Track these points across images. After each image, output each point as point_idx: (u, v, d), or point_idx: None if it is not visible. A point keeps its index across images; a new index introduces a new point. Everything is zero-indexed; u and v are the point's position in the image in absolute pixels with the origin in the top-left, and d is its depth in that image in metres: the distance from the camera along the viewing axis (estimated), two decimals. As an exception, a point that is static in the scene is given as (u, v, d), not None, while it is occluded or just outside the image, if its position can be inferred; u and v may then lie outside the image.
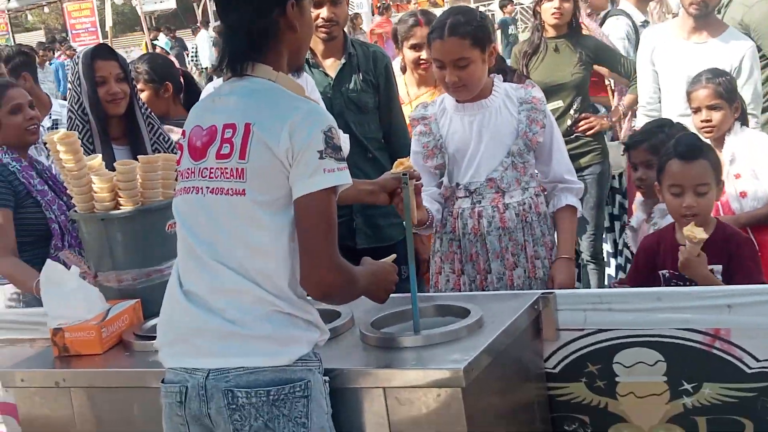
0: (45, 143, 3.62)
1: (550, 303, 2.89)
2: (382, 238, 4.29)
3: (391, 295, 2.64)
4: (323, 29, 4.20)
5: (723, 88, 3.98)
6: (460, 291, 3.39)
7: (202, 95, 3.84)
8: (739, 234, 3.37)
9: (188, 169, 2.40)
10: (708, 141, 3.84)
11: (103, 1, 26.03)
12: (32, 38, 30.02)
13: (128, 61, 4.31)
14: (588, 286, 5.44)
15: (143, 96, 4.42)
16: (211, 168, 2.34)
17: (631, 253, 5.84)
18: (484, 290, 3.35)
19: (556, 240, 3.51)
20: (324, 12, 4.17)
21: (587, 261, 5.44)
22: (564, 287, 3.49)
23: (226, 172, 2.31)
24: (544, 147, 3.44)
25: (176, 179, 2.52)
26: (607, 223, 5.49)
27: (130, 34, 38.26)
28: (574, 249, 3.66)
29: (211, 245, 2.34)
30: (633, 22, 6.25)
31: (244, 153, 2.29)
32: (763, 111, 4.89)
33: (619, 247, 5.39)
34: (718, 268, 3.18)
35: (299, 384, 2.31)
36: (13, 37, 29.06)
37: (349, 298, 2.47)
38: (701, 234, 3.06)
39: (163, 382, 2.43)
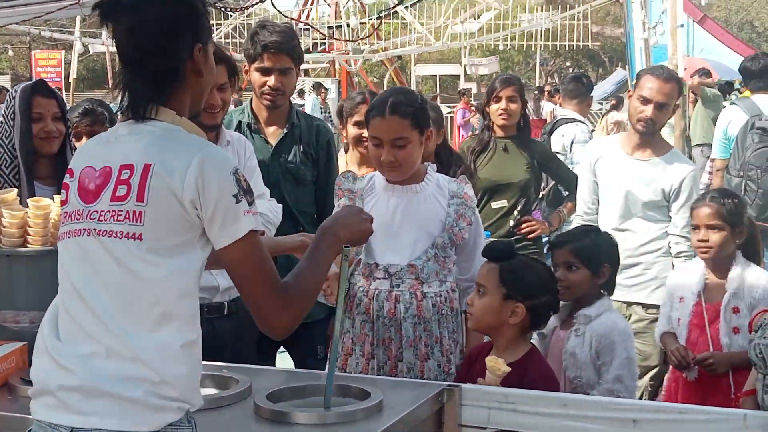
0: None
1: (455, 396, 2.81)
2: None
3: (299, 370, 2.54)
4: (268, 96, 4.17)
5: (726, 210, 3.87)
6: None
7: None
8: (542, 380, 3.13)
9: (77, 210, 2.27)
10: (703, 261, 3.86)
11: (73, 54, 25.89)
12: (-1, 82, 29.75)
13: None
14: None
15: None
16: (102, 211, 2.22)
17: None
18: None
19: (463, 338, 3.43)
20: (271, 80, 4.13)
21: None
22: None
23: (120, 215, 2.19)
24: (468, 244, 3.39)
25: (61, 222, 2.35)
26: None
27: (97, 90, 38.07)
28: None
29: (92, 294, 2.20)
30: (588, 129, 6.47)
31: (143, 195, 2.18)
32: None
33: None
34: None
35: None
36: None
37: (308, 309, 2.36)
38: (504, 367, 2.98)
39: None
